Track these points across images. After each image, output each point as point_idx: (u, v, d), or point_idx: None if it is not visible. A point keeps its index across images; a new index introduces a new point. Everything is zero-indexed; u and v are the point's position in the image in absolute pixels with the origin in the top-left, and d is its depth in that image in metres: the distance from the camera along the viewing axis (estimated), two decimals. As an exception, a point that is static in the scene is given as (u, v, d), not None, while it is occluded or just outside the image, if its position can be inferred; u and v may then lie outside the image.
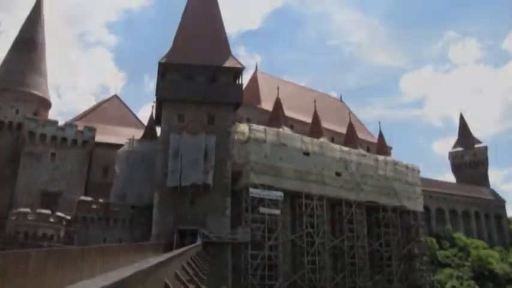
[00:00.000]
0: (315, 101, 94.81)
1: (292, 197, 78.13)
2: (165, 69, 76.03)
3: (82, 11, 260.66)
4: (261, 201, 71.10)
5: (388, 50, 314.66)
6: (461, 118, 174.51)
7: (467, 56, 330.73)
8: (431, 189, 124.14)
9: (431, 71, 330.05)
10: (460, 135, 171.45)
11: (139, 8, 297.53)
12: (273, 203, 72.35)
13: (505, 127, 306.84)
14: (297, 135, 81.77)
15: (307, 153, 79.83)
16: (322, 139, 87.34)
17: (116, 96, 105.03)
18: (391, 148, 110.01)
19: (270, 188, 72.80)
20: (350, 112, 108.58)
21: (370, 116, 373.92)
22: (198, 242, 60.10)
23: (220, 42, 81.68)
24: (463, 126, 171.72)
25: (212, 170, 69.33)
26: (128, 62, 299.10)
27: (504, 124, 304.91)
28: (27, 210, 64.20)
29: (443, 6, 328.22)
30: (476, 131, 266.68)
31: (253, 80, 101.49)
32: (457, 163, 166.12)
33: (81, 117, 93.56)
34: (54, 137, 78.57)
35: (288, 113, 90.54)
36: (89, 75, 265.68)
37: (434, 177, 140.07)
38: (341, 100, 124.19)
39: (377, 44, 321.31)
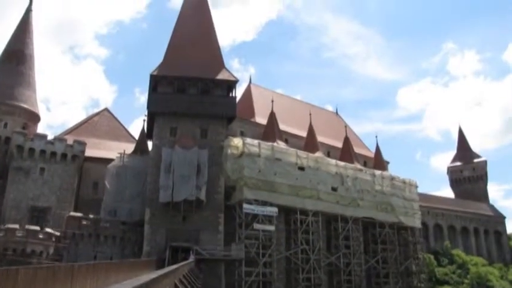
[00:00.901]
0: (310, 115, 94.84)
1: (286, 212, 78.33)
2: (156, 82, 76.27)
3: (72, 24, 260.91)
4: (255, 217, 71.23)
5: (385, 62, 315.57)
6: (460, 132, 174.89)
7: (466, 68, 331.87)
8: (430, 205, 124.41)
9: (429, 83, 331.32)
10: (458, 149, 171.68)
11: (130, 20, 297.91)
12: (268, 219, 72.49)
13: (505, 141, 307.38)
14: (291, 149, 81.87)
15: (302, 168, 79.97)
16: (317, 153, 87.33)
17: (106, 109, 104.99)
18: (388, 163, 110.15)
19: (264, 203, 72.92)
20: (346, 126, 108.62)
21: (367, 130, 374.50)
22: (191, 258, 60.21)
23: (213, 54, 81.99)
24: (462, 140, 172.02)
25: (205, 185, 69.43)
26: (118, 75, 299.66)
27: (504, 138, 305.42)
28: (16, 226, 64.09)
29: (442, 18, 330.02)
30: (475, 145, 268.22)
31: (247, 93, 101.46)
32: (456, 178, 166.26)
33: (71, 131, 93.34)
34: (43, 152, 78.40)
35: (282, 126, 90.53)
36: (79, 88, 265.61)
37: (432, 193, 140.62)
38: (337, 113, 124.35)
39: (374, 56, 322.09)
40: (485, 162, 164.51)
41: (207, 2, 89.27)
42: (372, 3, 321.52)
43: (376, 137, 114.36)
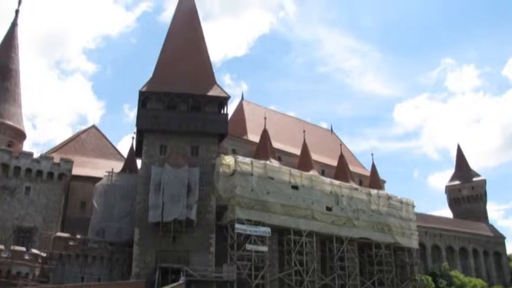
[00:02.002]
0: (304, 132, 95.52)
1: (280, 233, 78.66)
2: (145, 98, 76.67)
3: (59, 38, 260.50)
4: (247, 237, 71.49)
5: (381, 77, 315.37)
6: (459, 150, 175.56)
7: (465, 84, 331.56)
8: (427, 225, 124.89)
9: (427, 99, 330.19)
10: (457, 167, 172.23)
11: (118, 35, 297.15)
12: (260, 239, 72.80)
13: (505, 159, 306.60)
14: (285, 168, 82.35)
15: (296, 187, 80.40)
16: (311, 172, 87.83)
17: (94, 126, 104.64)
18: (384, 181, 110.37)
19: (256, 223, 73.17)
20: (341, 143, 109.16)
21: (363, 148, 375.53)
22: (181, 280, 60.50)
23: (204, 69, 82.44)
24: (461, 158, 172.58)
25: (196, 204, 69.66)
26: (107, 91, 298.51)
27: (504, 156, 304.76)
28: (1, 247, 63.87)
29: (440, 32, 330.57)
30: (474, 163, 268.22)
31: (239, 109, 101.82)
32: (454, 197, 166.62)
33: (57, 149, 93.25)
34: (29, 170, 78.29)
35: (275, 144, 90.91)
36: (66, 104, 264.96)
37: (430, 213, 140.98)
38: (332, 131, 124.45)
39: (370, 71, 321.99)
40: (484, 181, 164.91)
41: (197, 15, 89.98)
42: (368, 16, 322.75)
43: (372, 154, 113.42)
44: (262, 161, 79.67)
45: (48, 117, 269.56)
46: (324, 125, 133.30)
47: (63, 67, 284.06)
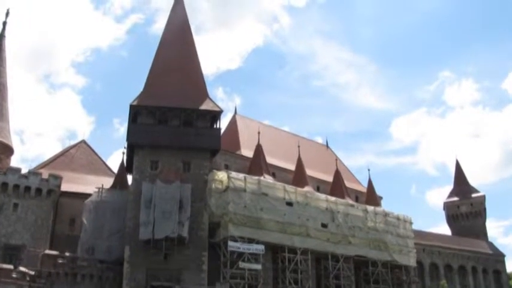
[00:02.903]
0: (298, 147, 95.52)
1: (274, 250, 78.51)
2: (136, 113, 76.81)
3: (47, 51, 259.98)
4: (240, 255, 71.33)
5: (378, 91, 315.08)
6: (457, 165, 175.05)
7: (463, 98, 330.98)
8: (425, 242, 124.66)
9: (424, 114, 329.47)
10: (455, 183, 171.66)
11: (108, 47, 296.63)
12: (254, 257, 72.65)
13: (505, 175, 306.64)
14: (279, 183, 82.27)
15: (290, 203, 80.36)
16: (306, 188, 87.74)
17: (83, 141, 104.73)
18: (381, 198, 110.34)
19: (250, 240, 73.13)
20: (337, 159, 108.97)
21: (359, 163, 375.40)
22: (173, 299, 60.52)
23: (196, 83, 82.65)
24: (459, 174, 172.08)
25: (188, 221, 69.68)
26: (96, 105, 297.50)
27: (504, 171, 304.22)
28: (-13, 265, 64.09)
29: (438, 45, 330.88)
30: (473, 179, 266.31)
31: (232, 124, 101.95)
32: (453, 214, 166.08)
33: (46, 165, 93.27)
34: (16, 186, 77.90)
35: (269, 159, 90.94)
36: (54, 119, 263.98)
37: (428, 230, 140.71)
38: (327, 146, 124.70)
39: (366, 85, 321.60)
40: (483, 197, 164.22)
41: (189, 28, 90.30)
42: (365, 29, 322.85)
43: (369, 170, 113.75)
44: (256, 177, 79.61)
45: (37, 132, 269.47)
46: (319, 140, 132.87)
47: (51, 81, 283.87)
